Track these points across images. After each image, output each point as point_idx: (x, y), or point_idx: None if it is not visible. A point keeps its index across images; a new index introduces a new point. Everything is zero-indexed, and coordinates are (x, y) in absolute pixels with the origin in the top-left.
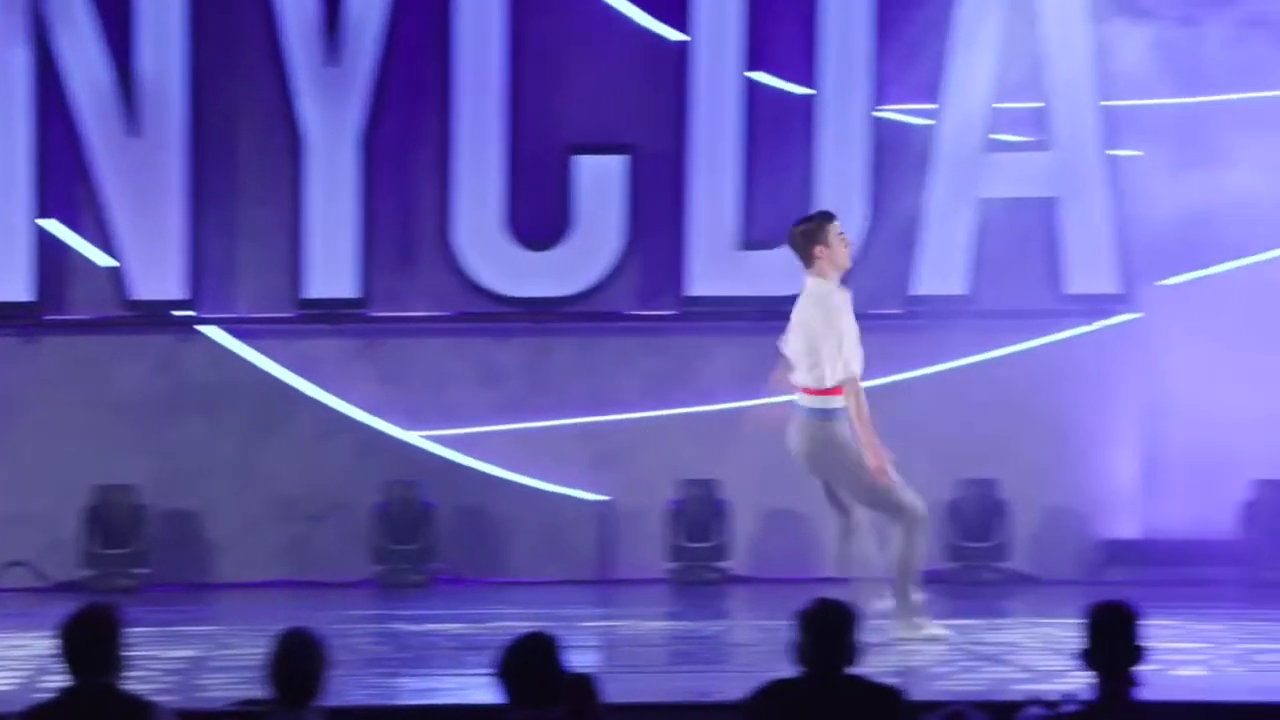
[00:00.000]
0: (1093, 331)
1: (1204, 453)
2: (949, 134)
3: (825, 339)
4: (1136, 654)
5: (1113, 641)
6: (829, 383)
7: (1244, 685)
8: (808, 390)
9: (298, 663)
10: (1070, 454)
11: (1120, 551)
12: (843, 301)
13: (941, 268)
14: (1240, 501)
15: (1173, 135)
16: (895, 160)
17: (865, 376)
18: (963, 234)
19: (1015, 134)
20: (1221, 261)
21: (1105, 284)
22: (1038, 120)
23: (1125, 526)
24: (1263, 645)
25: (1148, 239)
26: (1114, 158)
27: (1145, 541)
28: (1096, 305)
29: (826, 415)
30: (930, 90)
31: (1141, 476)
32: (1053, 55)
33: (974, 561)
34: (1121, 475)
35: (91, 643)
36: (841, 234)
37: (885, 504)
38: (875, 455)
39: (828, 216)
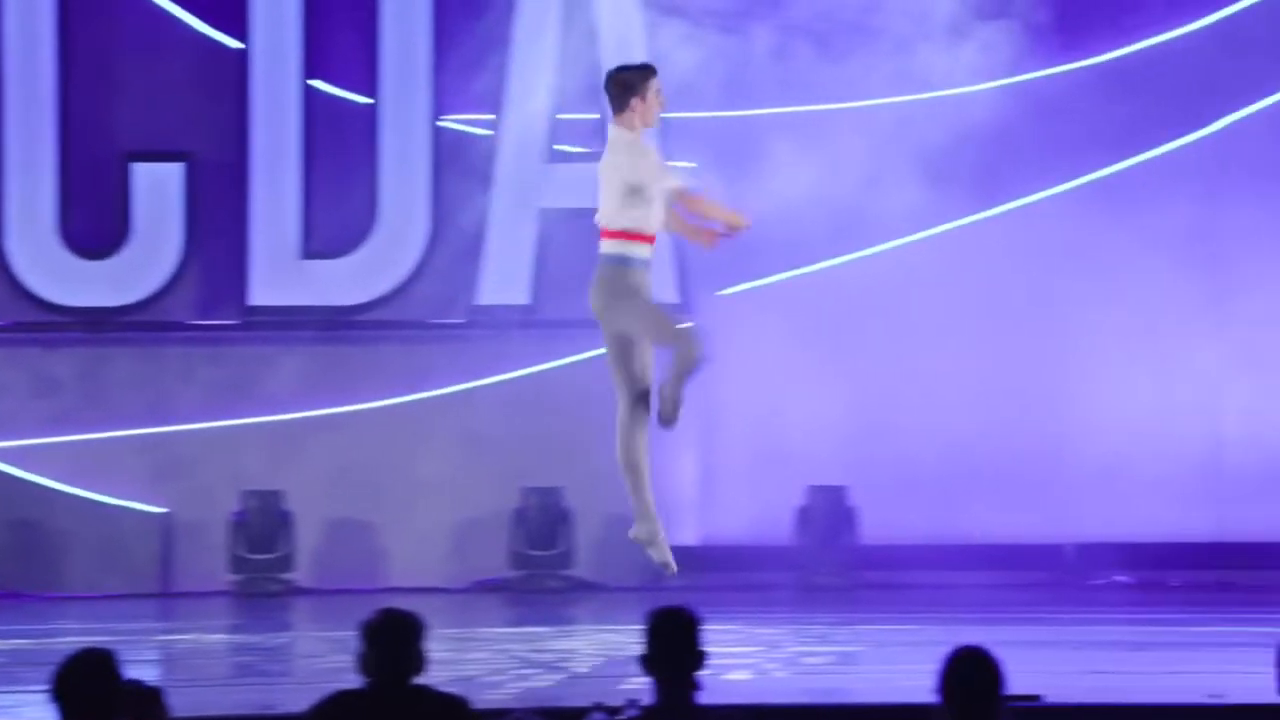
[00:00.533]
0: None
1: (761, 460)
2: (510, 144)
3: (635, 180)
4: (697, 659)
5: (673, 646)
6: (645, 226)
7: (791, 687)
8: (606, 233)
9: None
10: None
11: (680, 558)
12: (650, 149)
13: (504, 278)
14: (795, 507)
15: (725, 146)
16: (458, 170)
17: (434, 384)
18: (525, 244)
19: (576, 145)
20: (776, 271)
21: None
22: (599, 131)
23: (685, 533)
24: (812, 648)
25: (704, 249)
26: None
27: (704, 548)
28: None
29: (623, 261)
30: (492, 101)
31: (701, 484)
32: (610, 67)
33: (539, 569)
34: (682, 482)
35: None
36: (659, 92)
37: (672, 334)
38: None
39: (651, 70)
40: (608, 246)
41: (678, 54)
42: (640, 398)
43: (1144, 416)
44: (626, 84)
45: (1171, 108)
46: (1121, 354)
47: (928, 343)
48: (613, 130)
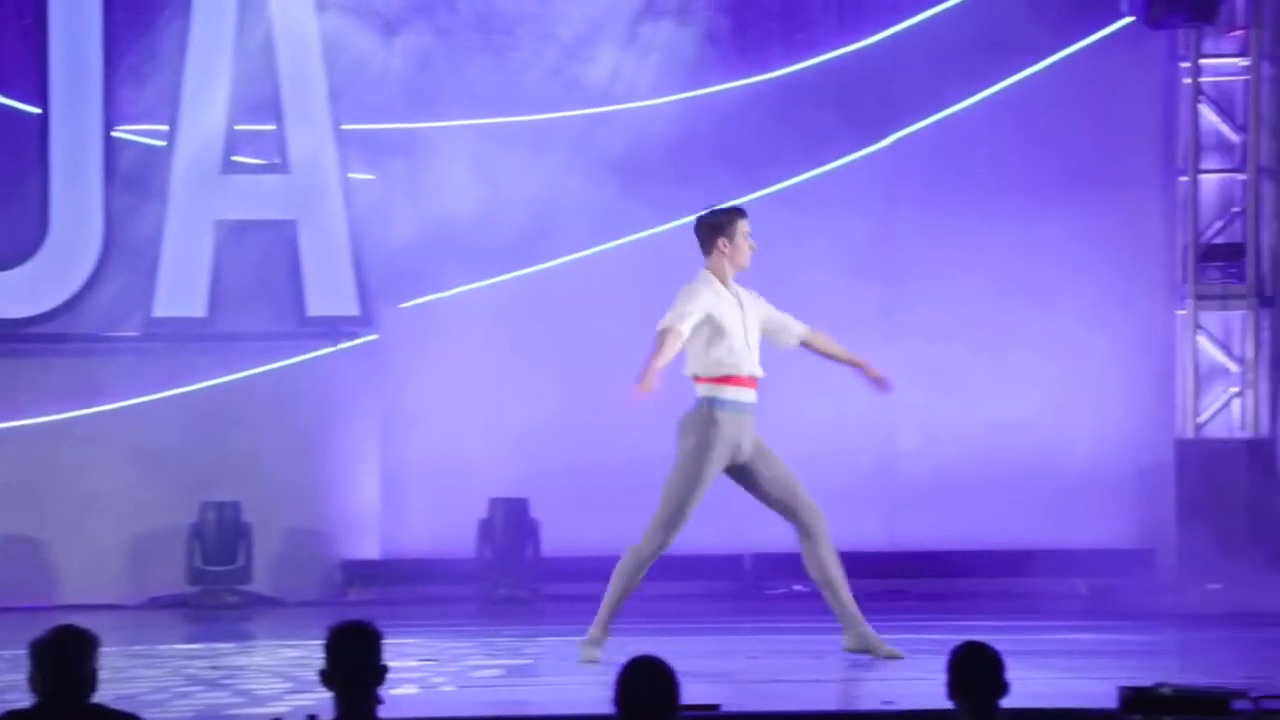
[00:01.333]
0: (334, 353)
1: (442, 473)
2: (185, 155)
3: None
4: (378, 673)
5: (353, 661)
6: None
7: (468, 700)
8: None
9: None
10: (313, 476)
11: (361, 571)
12: (715, 295)
13: (181, 290)
14: (477, 520)
15: (406, 157)
16: (133, 181)
17: (108, 398)
18: (202, 256)
19: (254, 156)
20: (458, 284)
21: (345, 306)
22: (276, 143)
23: (366, 547)
24: (493, 661)
25: (386, 262)
26: (351, 181)
27: (386, 561)
28: (337, 327)
29: (707, 404)
30: (167, 111)
31: (382, 497)
32: (288, 79)
33: (216, 585)
34: (363, 496)
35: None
36: (748, 235)
37: (666, 512)
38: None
39: (739, 213)
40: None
41: (356, 64)
42: (796, 522)
43: (820, 426)
44: (714, 226)
45: (847, 122)
46: (798, 364)
47: (609, 355)
48: (699, 274)
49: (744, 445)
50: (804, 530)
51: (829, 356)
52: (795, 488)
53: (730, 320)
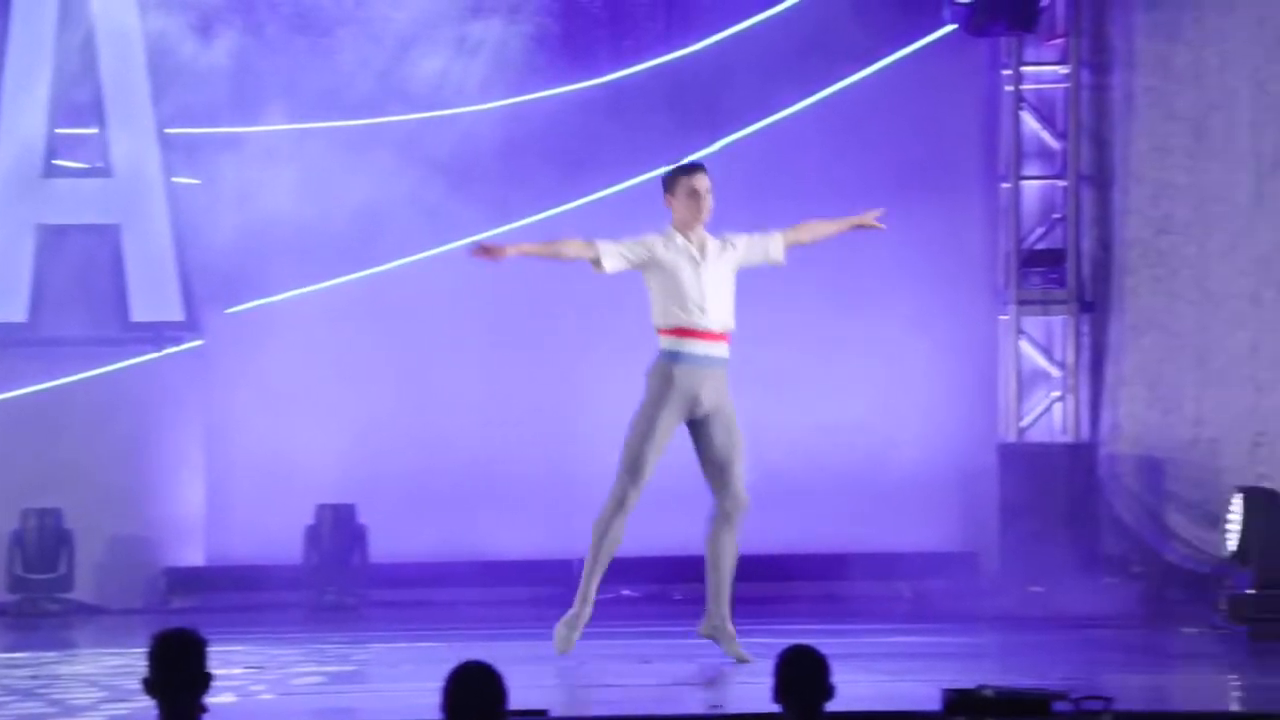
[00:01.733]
0: (158, 359)
1: (268, 478)
2: (5, 159)
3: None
4: (202, 681)
5: (177, 669)
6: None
7: (295, 708)
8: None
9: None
10: (137, 482)
11: (186, 578)
12: (664, 245)
13: (1, 295)
14: (304, 526)
15: (233, 161)
16: None
17: None
18: (23, 261)
19: (76, 160)
20: (285, 289)
21: (169, 311)
22: (99, 146)
23: (191, 553)
24: (321, 668)
25: (211, 267)
26: (176, 185)
27: (210, 568)
28: (161, 333)
29: (659, 356)
30: None
31: (207, 503)
32: (110, 81)
33: (37, 593)
34: (187, 502)
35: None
36: (694, 192)
37: (624, 462)
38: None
39: (683, 170)
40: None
41: (180, 67)
42: (717, 499)
43: None
44: (663, 184)
45: (675, 127)
46: (622, 370)
47: (436, 360)
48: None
49: (703, 399)
50: (721, 512)
51: (825, 238)
52: (734, 466)
53: (684, 273)
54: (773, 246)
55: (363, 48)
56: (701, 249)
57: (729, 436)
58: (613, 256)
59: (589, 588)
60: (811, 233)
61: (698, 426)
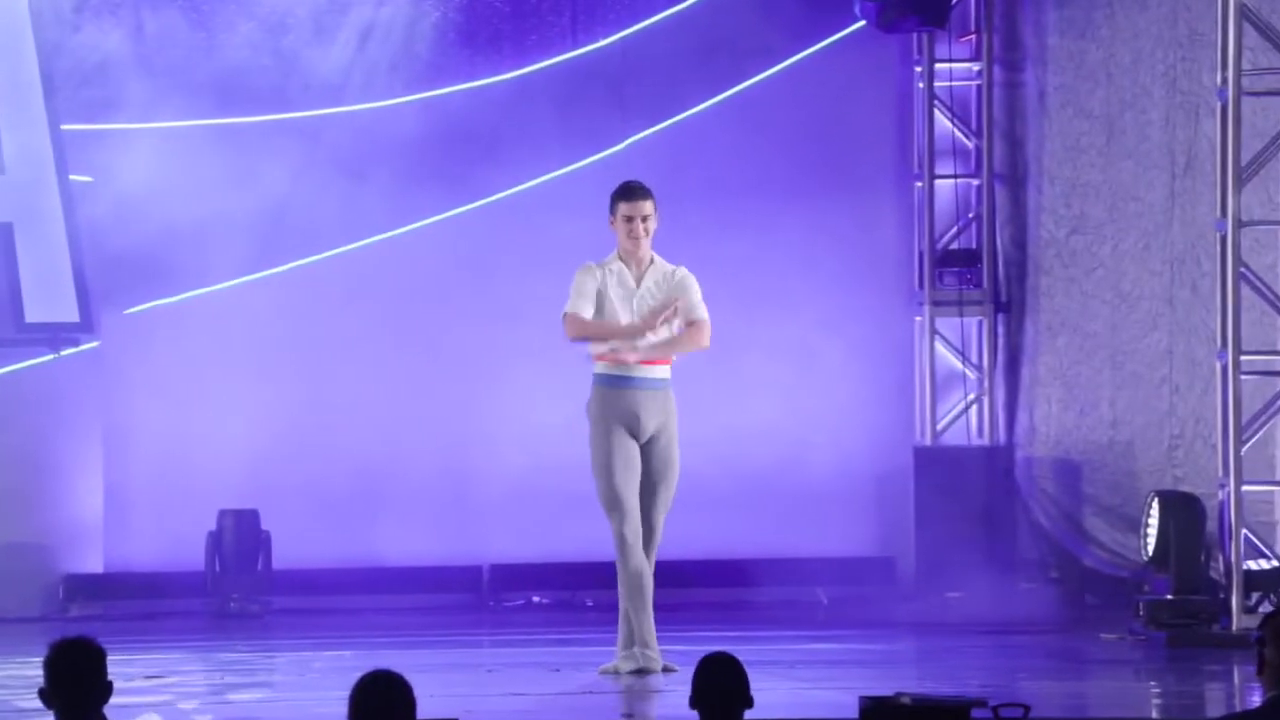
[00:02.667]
0: (53, 361)
1: (169, 483)
2: None
3: None
4: (102, 691)
5: (75, 679)
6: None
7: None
8: None
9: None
10: (32, 487)
11: (84, 586)
12: (604, 273)
13: None
14: (206, 531)
15: (134, 157)
16: None
17: None
18: None
19: None
20: (185, 289)
21: (65, 312)
22: None
23: (89, 560)
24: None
25: (108, 266)
26: (71, 183)
27: (110, 575)
28: (56, 334)
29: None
30: None
31: (105, 509)
32: (2, 77)
33: None
34: (85, 508)
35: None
36: (629, 219)
37: (602, 500)
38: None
39: (619, 195)
40: None
41: (76, 61)
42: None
43: (548, 436)
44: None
45: (581, 126)
46: (527, 374)
47: (337, 363)
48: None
49: (644, 422)
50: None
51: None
52: (655, 497)
53: (615, 298)
54: (692, 314)
55: (261, 41)
56: (640, 276)
57: (663, 468)
58: (588, 309)
59: (644, 631)
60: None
61: (641, 450)
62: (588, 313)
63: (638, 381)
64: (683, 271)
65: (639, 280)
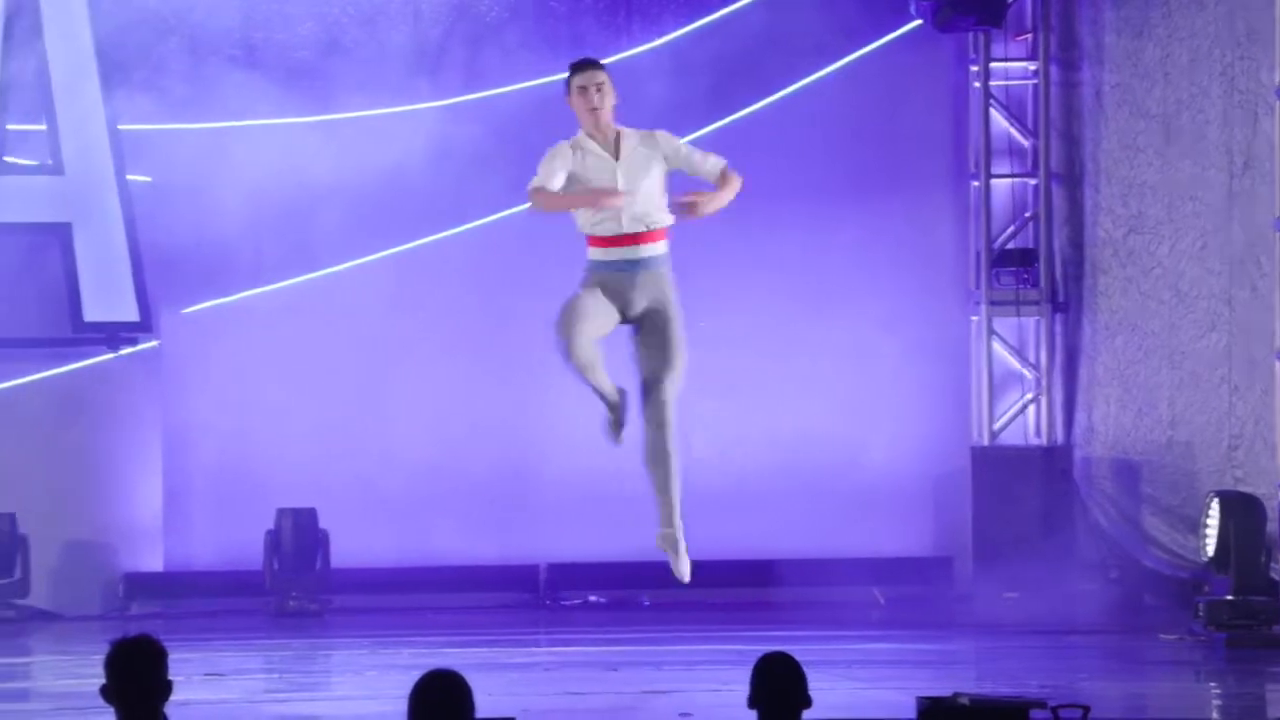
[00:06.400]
0: (112, 360)
1: (228, 482)
2: None
3: None
4: (163, 689)
5: (137, 677)
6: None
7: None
8: None
9: None
10: (92, 487)
11: (144, 584)
12: (574, 153)
13: None
14: (265, 530)
15: (188, 159)
16: None
17: None
18: None
19: (26, 157)
20: (242, 289)
21: (124, 312)
22: (49, 143)
23: (149, 559)
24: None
25: (167, 266)
26: (129, 183)
27: (169, 573)
28: (115, 333)
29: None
30: None
31: (165, 508)
32: (61, 76)
33: None
34: (145, 507)
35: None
36: (582, 89)
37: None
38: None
39: (571, 69)
40: None
41: (135, 61)
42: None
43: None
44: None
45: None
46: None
47: (395, 363)
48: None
49: (634, 300)
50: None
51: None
52: (661, 365)
53: (593, 173)
54: (709, 165)
55: (317, 42)
56: (616, 147)
57: (664, 340)
58: (558, 184)
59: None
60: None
61: (633, 325)
62: (555, 186)
63: (631, 265)
64: (662, 131)
65: (617, 151)
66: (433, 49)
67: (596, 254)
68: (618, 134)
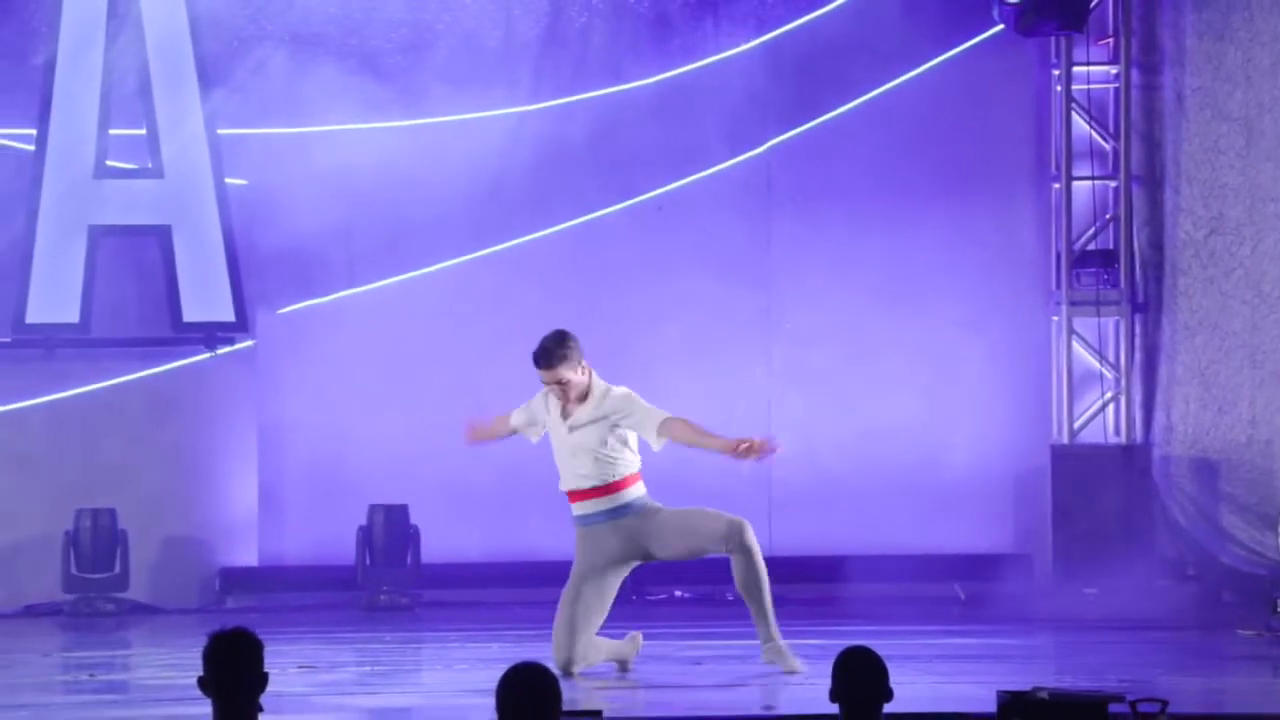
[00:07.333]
0: (210, 360)
1: (321, 479)
2: (56, 159)
3: None
4: (259, 681)
5: (233, 669)
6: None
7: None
8: None
9: None
10: (189, 483)
11: (240, 579)
12: (542, 408)
13: (53, 296)
14: (357, 526)
15: (282, 162)
16: (3, 187)
17: None
18: (75, 262)
19: (127, 161)
20: (337, 289)
21: (221, 312)
22: (149, 147)
23: (244, 554)
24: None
25: (262, 267)
26: (226, 185)
27: (264, 568)
28: (212, 333)
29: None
30: (37, 116)
31: (260, 504)
32: (160, 81)
33: (92, 592)
34: (240, 503)
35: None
36: (547, 384)
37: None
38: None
39: (534, 358)
40: None
41: (232, 65)
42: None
43: None
44: None
45: (724, 128)
46: (677, 371)
47: (485, 361)
48: None
49: (614, 548)
50: (732, 551)
51: (694, 445)
52: (703, 527)
53: (552, 437)
54: (648, 422)
55: (410, 47)
56: (571, 416)
57: (681, 525)
58: (515, 416)
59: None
60: (689, 435)
61: (647, 558)
62: (511, 416)
63: (593, 518)
64: (619, 390)
65: (571, 418)
66: (524, 53)
67: (573, 509)
68: (585, 395)
